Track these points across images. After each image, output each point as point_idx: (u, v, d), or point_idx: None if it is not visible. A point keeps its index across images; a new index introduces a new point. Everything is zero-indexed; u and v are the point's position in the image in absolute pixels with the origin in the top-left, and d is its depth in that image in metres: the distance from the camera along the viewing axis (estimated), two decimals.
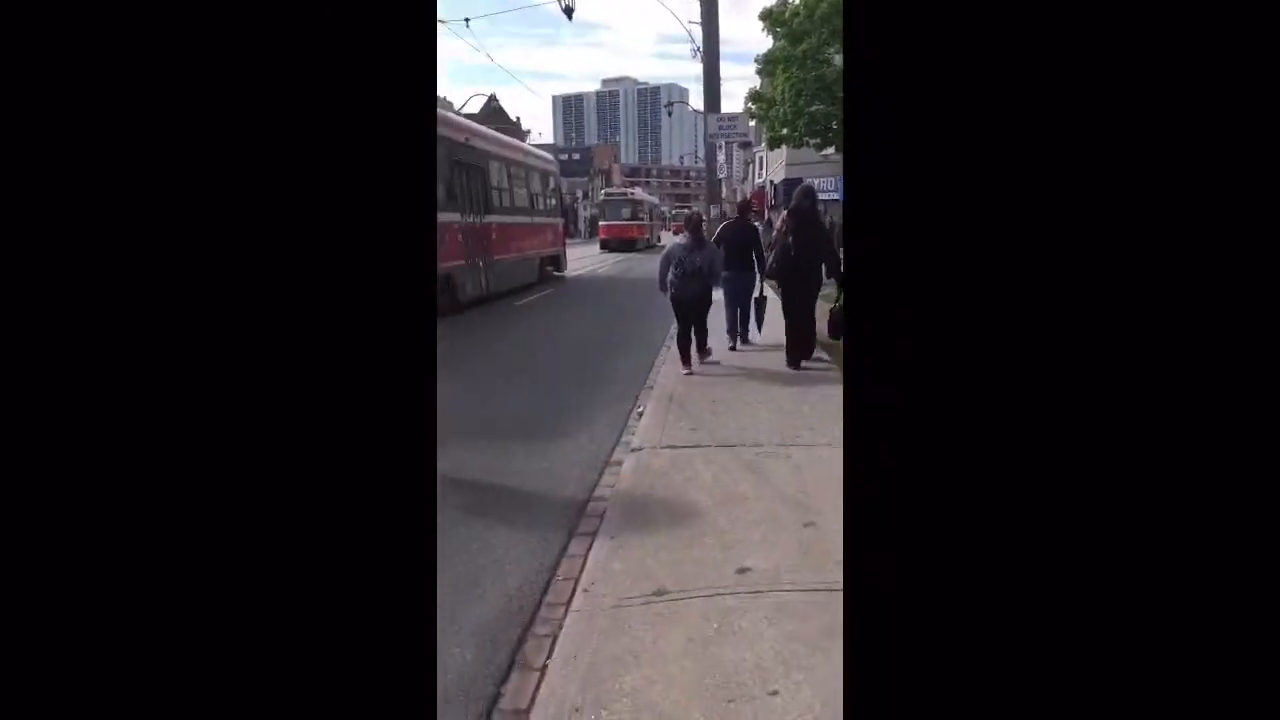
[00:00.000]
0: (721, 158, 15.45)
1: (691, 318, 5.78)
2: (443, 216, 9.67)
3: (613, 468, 3.84)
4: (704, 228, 6.05)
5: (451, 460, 4.08)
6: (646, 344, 7.72)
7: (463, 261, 10.15)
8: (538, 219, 14.37)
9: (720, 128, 12.97)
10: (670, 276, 5.71)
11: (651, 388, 5.68)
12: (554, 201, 16.08)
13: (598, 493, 3.50)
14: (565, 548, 2.92)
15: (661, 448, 3.97)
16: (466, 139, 10.71)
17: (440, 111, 10.36)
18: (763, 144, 38.48)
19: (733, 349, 6.65)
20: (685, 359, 5.90)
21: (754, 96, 16.65)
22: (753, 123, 16.93)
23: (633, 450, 3.96)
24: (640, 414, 4.91)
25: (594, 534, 2.92)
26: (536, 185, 14.63)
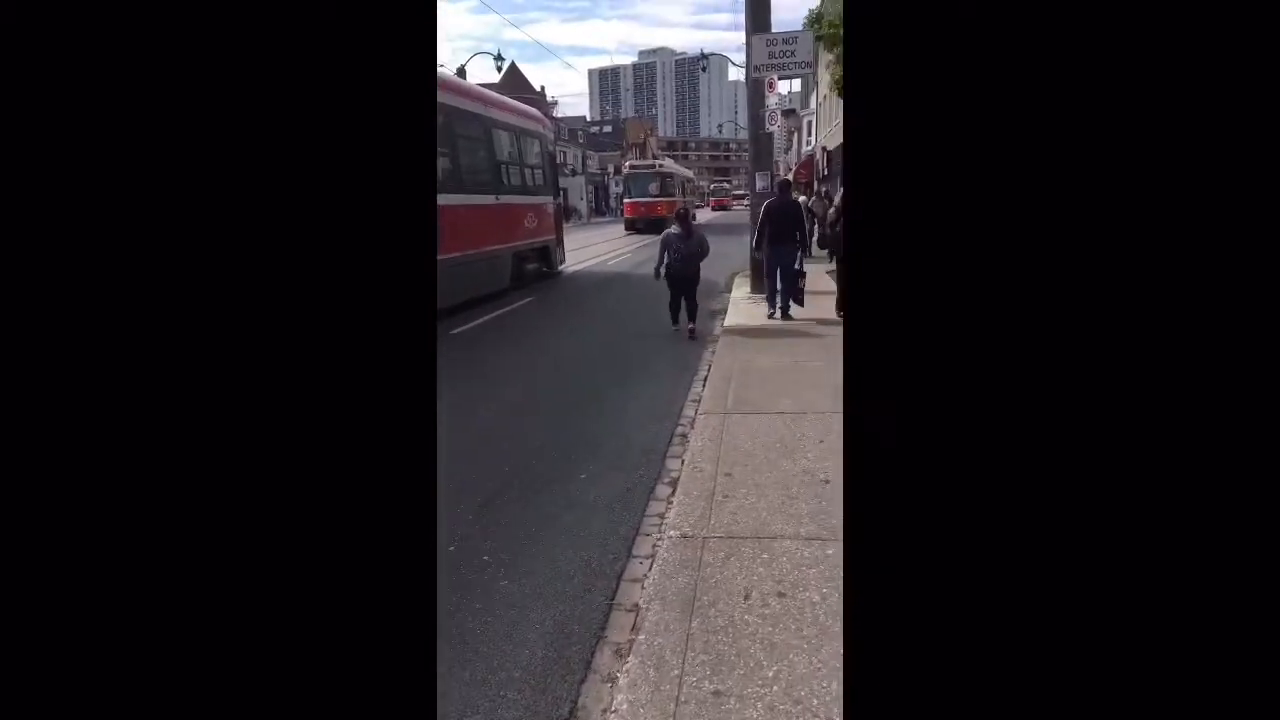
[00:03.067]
0: (772, 101, 10.93)
1: (682, 292, 6.87)
2: None
3: None
4: (690, 217, 7.34)
5: None
6: (632, 445, 3.56)
7: None
8: (508, 198, 10.12)
9: (771, 54, 8.52)
10: (667, 259, 6.76)
11: (638, 581, 1.79)
12: (542, 174, 11.79)
13: None
14: None
15: None
16: None
17: None
18: (813, 105, 33.42)
19: (771, 317, 7.18)
20: (675, 318, 6.97)
21: (815, 19, 11.92)
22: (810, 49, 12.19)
23: None
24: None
25: None
26: (507, 151, 10.36)
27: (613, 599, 2.46)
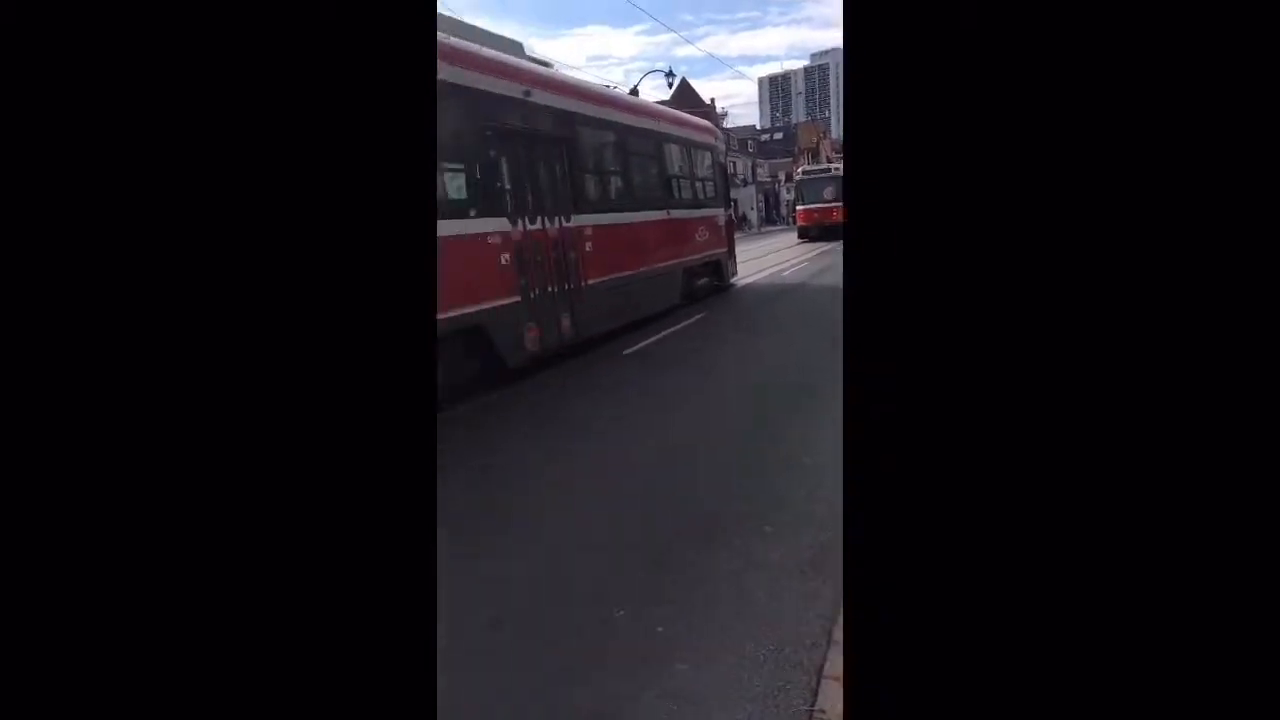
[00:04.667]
0: None
1: None
2: (472, 225, 5.64)
3: None
4: None
5: None
6: (822, 491, 3.02)
7: (511, 299, 6.05)
8: (680, 212, 9.90)
9: None
10: None
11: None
12: (713, 186, 11.48)
13: None
14: None
15: None
16: (526, 94, 6.60)
17: (478, 52, 6.30)
18: None
19: None
20: None
21: None
22: None
23: None
24: None
25: None
26: (679, 164, 10.17)
27: (813, 705, 1.98)
